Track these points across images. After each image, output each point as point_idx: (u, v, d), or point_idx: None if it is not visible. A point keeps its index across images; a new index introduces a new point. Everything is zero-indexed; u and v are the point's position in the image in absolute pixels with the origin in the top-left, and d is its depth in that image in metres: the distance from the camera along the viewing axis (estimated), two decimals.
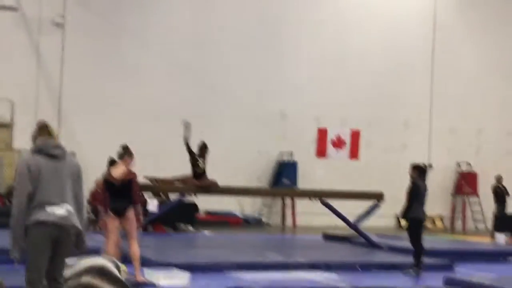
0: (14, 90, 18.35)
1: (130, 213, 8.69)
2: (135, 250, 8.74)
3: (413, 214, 9.87)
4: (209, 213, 19.69)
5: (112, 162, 9.28)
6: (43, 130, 5.09)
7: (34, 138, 5.16)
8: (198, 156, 12.53)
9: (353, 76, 21.81)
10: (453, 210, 23.01)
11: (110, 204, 8.75)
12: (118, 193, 8.67)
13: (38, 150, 4.98)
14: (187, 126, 12.60)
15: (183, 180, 12.79)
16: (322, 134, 21.56)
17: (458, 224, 22.86)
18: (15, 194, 5.09)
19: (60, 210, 4.92)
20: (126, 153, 8.83)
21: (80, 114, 18.87)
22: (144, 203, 12.17)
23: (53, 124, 19.82)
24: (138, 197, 9.02)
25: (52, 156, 4.96)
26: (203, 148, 12.63)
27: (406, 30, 22.56)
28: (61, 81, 18.88)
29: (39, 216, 4.97)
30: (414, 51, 22.66)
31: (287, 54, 21.25)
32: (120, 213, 8.66)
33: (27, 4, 18.58)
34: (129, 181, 8.70)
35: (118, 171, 8.75)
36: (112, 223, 8.75)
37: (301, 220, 20.61)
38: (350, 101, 21.77)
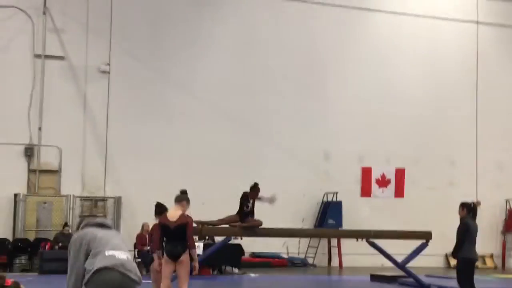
0: (62, 137, 18.77)
1: (186, 257, 8.61)
2: None
3: (465, 254, 9.67)
4: (254, 255, 19.61)
5: (158, 206, 9.31)
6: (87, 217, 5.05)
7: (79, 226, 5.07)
8: (246, 200, 12.23)
9: (396, 113, 21.70)
10: (504, 248, 22.45)
11: (166, 248, 8.69)
12: (173, 236, 8.62)
13: (86, 224, 4.95)
14: (271, 200, 12.36)
15: (228, 221, 12.74)
16: (366, 173, 21.47)
17: (510, 262, 22.26)
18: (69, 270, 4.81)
19: (122, 255, 4.79)
20: (184, 197, 8.82)
21: (126, 160, 19.16)
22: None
23: (99, 169, 20.26)
24: (193, 241, 8.97)
25: (103, 225, 4.94)
26: (254, 188, 12.32)
27: (448, 64, 22.45)
28: (107, 128, 19.24)
29: (102, 262, 4.66)
30: (457, 86, 22.50)
31: (329, 94, 21.30)
32: (175, 257, 8.60)
33: (74, 53, 19.11)
34: (185, 224, 8.64)
35: (175, 214, 8.70)
36: (167, 267, 8.66)
37: (347, 261, 20.36)
38: (394, 139, 21.63)
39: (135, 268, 4.75)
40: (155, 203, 9.74)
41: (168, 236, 8.66)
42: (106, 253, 4.68)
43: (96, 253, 4.70)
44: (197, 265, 8.83)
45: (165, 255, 8.71)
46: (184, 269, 8.62)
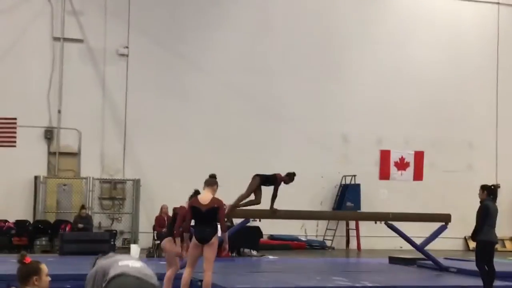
0: (81, 120, 18.90)
1: (215, 240, 8.59)
2: (209, 279, 8.64)
3: (484, 236, 9.62)
4: (273, 238, 19.67)
5: (197, 193, 9.14)
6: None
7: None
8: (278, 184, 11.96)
9: (414, 96, 21.57)
10: None
11: (195, 231, 8.66)
12: (204, 219, 8.57)
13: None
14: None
15: (246, 203, 12.66)
16: (385, 156, 21.38)
17: None
18: None
19: (136, 264, 4.53)
20: (215, 181, 8.77)
21: (144, 142, 19.25)
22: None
23: (118, 152, 20.33)
24: (225, 224, 8.94)
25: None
26: (292, 178, 11.98)
27: (469, 48, 22.21)
28: (126, 110, 19.33)
29: (116, 271, 4.46)
30: (478, 69, 22.28)
31: (347, 77, 21.20)
32: (205, 241, 8.56)
33: (92, 35, 19.17)
34: (216, 208, 8.61)
35: (207, 198, 8.65)
36: (195, 251, 8.58)
37: (365, 243, 20.36)
38: (413, 122, 21.51)
39: (152, 274, 4.52)
40: (194, 190, 9.42)
41: (199, 219, 8.60)
42: (120, 263, 4.47)
43: (109, 267, 4.46)
44: (227, 246, 8.86)
45: (193, 238, 8.64)
46: (212, 251, 8.58)
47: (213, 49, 20.11)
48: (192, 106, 19.81)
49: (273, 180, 11.47)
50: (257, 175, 11.55)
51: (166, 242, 9.38)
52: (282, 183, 11.53)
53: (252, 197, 11.46)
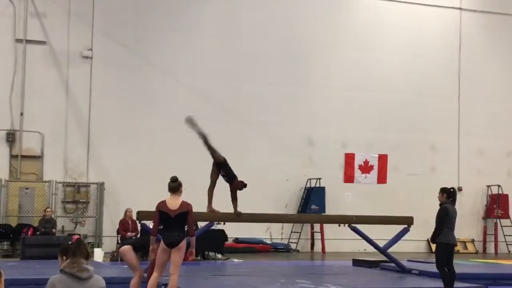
0: (44, 123, 18.68)
1: (183, 244, 8.54)
2: (175, 283, 8.59)
3: (444, 238, 9.75)
4: (238, 241, 19.68)
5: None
6: (73, 251, 4.81)
7: (62, 257, 4.89)
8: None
9: (379, 100, 21.80)
10: (485, 233, 22.70)
11: (163, 236, 8.61)
12: (173, 224, 8.53)
13: (64, 271, 4.79)
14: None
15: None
16: (349, 159, 21.58)
17: (490, 247, 22.52)
18: None
19: None
20: (180, 185, 8.72)
21: (109, 145, 19.11)
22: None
23: (82, 155, 20.15)
24: (194, 229, 8.89)
25: (79, 278, 4.79)
26: (242, 187, 12.12)
27: (432, 52, 22.53)
28: (90, 113, 19.16)
29: None
30: (439, 73, 22.61)
31: (313, 81, 21.33)
32: (174, 245, 8.50)
33: (55, 38, 18.97)
34: (186, 212, 8.57)
35: (176, 203, 8.60)
36: (163, 255, 8.52)
37: (330, 246, 20.49)
38: (377, 125, 21.74)
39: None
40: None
41: (167, 224, 8.56)
42: None
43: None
44: (194, 251, 8.82)
45: (161, 243, 8.61)
46: (180, 255, 8.55)
47: (179, 53, 20.05)
48: (158, 109, 19.72)
49: (229, 176, 11.54)
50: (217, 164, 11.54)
51: (128, 251, 9.27)
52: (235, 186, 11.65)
53: None
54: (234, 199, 11.56)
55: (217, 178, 11.78)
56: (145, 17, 19.84)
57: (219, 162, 11.62)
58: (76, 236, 5.06)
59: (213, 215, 12.10)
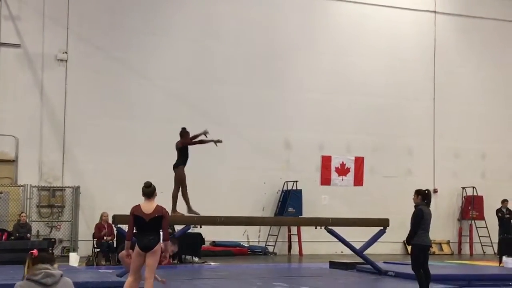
0: (18, 126, 18.49)
1: (158, 248, 8.49)
2: (150, 287, 8.55)
3: (418, 240, 9.82)
4: (215, 244, 19.64)
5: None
6: (36, 260, 4.81)
7: (28, 265, 4.89)
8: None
9: (355, 103, 21.90)
10: (460, 234, 22.90)
11: (138, 240, 8.56)
12: (147, 228, 8.49)
13: (29, 279, 4.78)
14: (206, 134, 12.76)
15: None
16: (326, 161, 21.66)
17: (466, 248, 22.72)
18: None
19: None
20: (154, 190, 8.68)
21: (84, 149, 18.96)
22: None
23: (57, 159, 19.92)
24: (168, 233, 8.85)
25: (44, 285, 4.78)
26: (184, 134, 12.74)
27: (407, 56, 22.69)
28: (65, 117, 19.00)
29: None
30: (415, 76, 22.79)
31: (290, 84, 21.36)
32: (148, 249, 8.44)
33: (30, 41, 18.79)
34: (161, 216, 8.54)
35: (150, 207, 8.56)
36: (138, 260, 8.47)
37: (307, 249, 20.53)
38: (354, 128, 21.84)
39: None
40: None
41: (142, 228, 8.52)
42: None
43: None
44: (167, 255, 8.77)
45: (136, 247, 8.57)
46: (155, 259, 8.51)
47: (156, 56, 19.98)
48: (134, 113, 19.63)
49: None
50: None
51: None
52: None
53: None
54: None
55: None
56: (120, 19, 19.74)
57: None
58: (35, 252, 4.93)
59: (189, 218, 12.11)
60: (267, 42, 21.15)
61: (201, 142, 12.78)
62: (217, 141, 12.76)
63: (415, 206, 9.93)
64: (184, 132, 12.87)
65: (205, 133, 12.79)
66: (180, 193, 12.77)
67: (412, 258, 10.08)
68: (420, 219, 9.76)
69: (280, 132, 21.05)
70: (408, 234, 9.94)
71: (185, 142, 12.80)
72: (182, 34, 20.28)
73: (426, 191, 10.03)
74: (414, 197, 9.98)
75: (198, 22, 20.59)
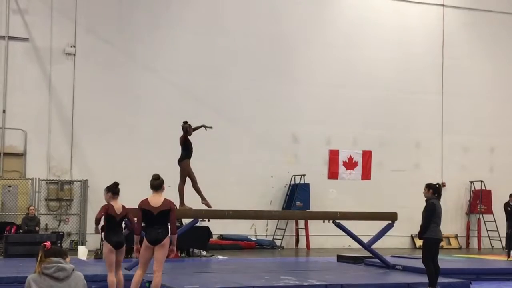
0: (27, 120, 18.55)
1: (166, 241, 8.52)
2: (159, 280, 8.57)
3: (430, 234, 9.81)
4: (222, 238, 19.67)
5: (115, 185, 9.20)
6: (48, 253, 4.80)
7: (40, 257, 4.88)
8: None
9: (363, 96, 21.85)
10: (468, 228, 22.86)
11: (146, 233, 8.58)
12: (155, 222, 8.51)
13: (41, 273, 4.76)
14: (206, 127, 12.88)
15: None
16: (333, 155, 21.63)
17: (474, 242, 22.68)
18: None
19: None
20: (162, 183, 8.69)
21: (93, 142, 19.00)
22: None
23: (65, 152, 19.96)
24: (176, 227, 8.87)
25: (56, 279, 4.77)
26: (184, 128, 12.79)
27: (414, 48, 22.62)
28: (73, 110, 19.04)
29: None
30: (424, 69, 22.71)
31: (297, 77, 21.33)
32: (157, 242, 8.49)
33: (38, 34, 18.82)
34: (169, 210, 8.55)
35: (158, 200, 8.58)
36: (146, 253, 8.51)
37: (314, 242, 20.53)
38: (361, 122, 21.79)
39: None
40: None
41: (150, 222, 8.54)
42: None
43: None
44: (175, 249, 8.79)
45: (145, 240, 8.59)
46: (163, 252, 8.53)
47: (163, 49, 19.98)
48: (141, 105, 19.65)
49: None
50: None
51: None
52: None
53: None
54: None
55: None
56: (128, 13, 19.74)
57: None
58: (48, 244, 4.89)
59: (197, 212, 12.11)
60: (274, 35, 21.11)
61: (195, 129, 12.93)
62: (207, 127, 12.90)
63: (426, 200, 9.91)
64: (184, 126, 12.88)
65: (204, 126, 12.88)
66: (187, 187, 12.79)
67: (423, 252, 10.07)
68: (433, 213, 9.75)
69: (288, 125, 21.03)
70: (420, 228, 9.93)
71: (184, 136, 12.89)
72: (190, 27, 20.27)
73: (437, 185, 10.01)
74: (425, 191, 9.96)
75: (205, 15, 20.56)
